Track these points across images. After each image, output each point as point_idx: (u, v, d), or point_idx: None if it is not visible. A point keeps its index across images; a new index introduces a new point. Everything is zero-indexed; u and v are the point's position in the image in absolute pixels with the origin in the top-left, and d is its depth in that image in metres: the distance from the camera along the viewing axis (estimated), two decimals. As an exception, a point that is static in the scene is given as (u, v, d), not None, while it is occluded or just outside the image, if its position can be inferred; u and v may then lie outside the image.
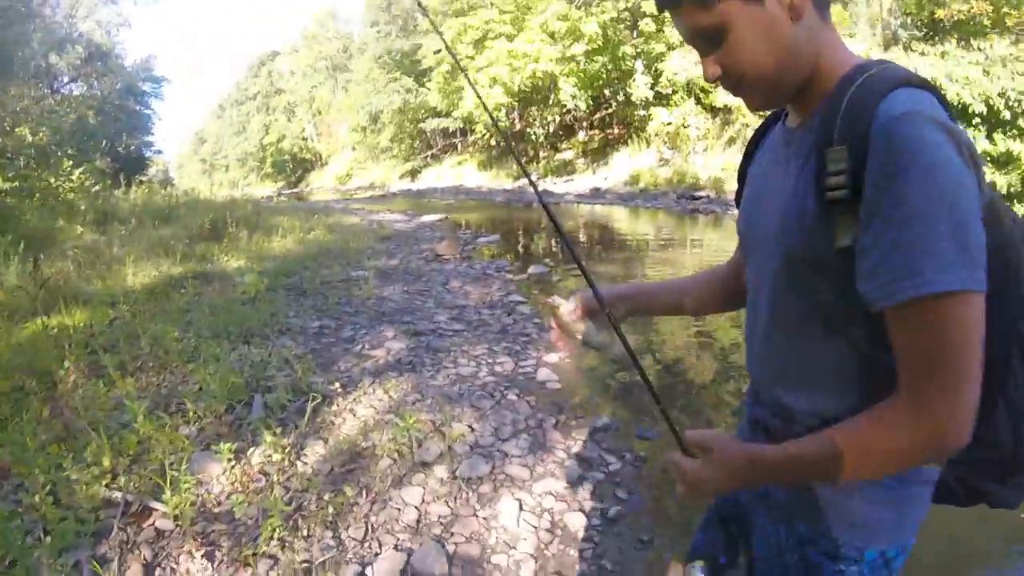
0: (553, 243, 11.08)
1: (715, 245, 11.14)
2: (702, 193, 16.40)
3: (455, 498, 2.94)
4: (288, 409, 3.70)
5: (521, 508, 2.88)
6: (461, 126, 28.26)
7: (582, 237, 11.89)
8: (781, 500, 1.13)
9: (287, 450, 3.18)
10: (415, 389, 4.11)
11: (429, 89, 27.55)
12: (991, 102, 11.97)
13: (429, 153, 33.00)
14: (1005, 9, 15.05)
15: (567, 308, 1.31)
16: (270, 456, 3.10)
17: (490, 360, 4.73)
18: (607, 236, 11.95)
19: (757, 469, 0.98)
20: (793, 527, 1.11)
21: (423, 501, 2.90)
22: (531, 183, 1.43)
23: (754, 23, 0.91)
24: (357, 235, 10.98)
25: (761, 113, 1.14)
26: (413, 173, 32.22)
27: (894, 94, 0.84)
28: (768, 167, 1.10)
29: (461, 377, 4.38)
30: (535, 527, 2.76)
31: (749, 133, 17.63)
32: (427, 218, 13.68)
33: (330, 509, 2.75)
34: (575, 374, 4.63)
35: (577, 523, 2.80)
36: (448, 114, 26.99)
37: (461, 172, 28.24)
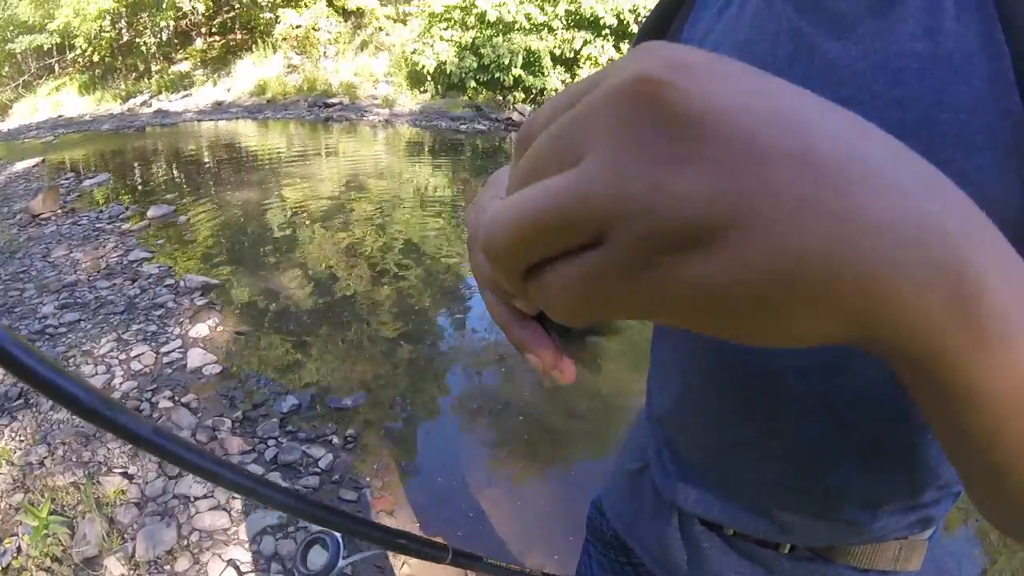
0: (175, 171, 9.41)
1: (352, 153, 10.61)
2: (335, 100, 15.50)
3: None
4: None
5: (240, 572, 2.13)
6: (58, 41, 22.68)
7: (207, 160, 10.37)
8: None
9: None
10: (36, 437, 2.89)
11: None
12: (621, 16, 13.17)
13: (20, 81, 26.01)
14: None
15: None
16: None
17: (123, 356, 3.60)
18: (236, 156, 10.59)
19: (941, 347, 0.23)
20: None
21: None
22: None
23: None
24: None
25: None
26: (2, 109, 25.25)
27: None
28: (771, 23, 0.60)
29: (90, 391, 3.22)
30: (266, 591, 2.07)
31: (383, 38, 17.57)
32: (20, 165, 10.52)
33: None
34: (233, 343, 3.79)
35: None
36: (42, 28, 21.56)
37: (59, 100, 22.62)
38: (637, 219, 0.19)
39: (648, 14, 0.77)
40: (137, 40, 21.35)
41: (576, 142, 0.21)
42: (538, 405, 3.23)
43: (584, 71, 13.44)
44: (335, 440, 2.87)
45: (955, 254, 0.20)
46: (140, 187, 8.52)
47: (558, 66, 14.08)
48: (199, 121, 15.06)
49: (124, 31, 21.55)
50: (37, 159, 10.93)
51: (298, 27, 17.42)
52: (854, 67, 0.54)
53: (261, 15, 18.89)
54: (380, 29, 17.53)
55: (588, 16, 13.63)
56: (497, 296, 0.37)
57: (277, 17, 17.96)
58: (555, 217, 0.20)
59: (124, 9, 20.29)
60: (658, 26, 0.74)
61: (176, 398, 3.14)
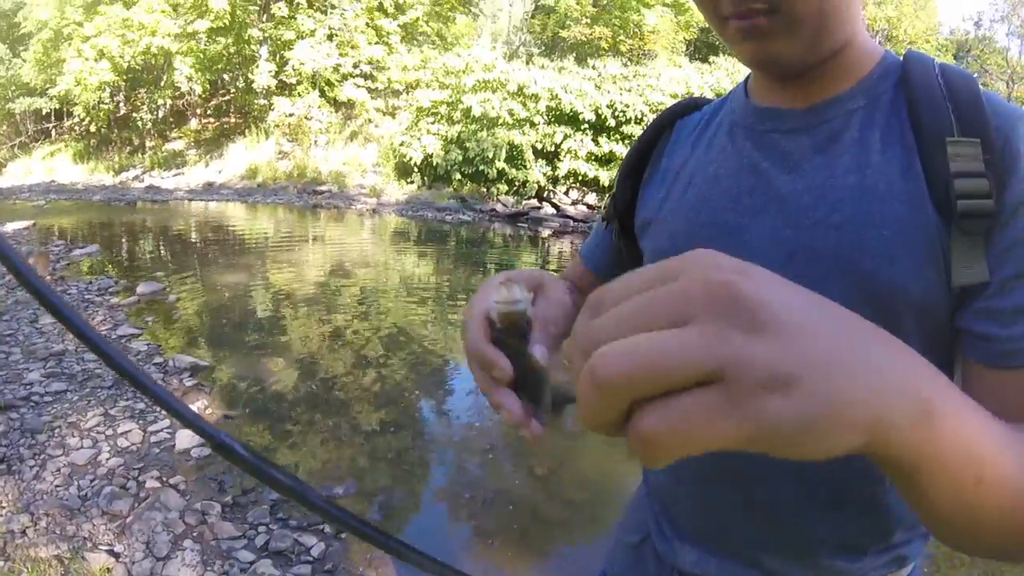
0: (165, 249, 9.47)
1: (340, 240, 10.86)
2: (324, 187, 15.81)
3: None
4: None
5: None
6: (57, 107, 22.89)
7: (196, 240, 10.46)
8: None
9: None
10: (18, 505, 2.82)
11: (25, 60, 22.09)
12: (600, 112, 13.83)
13: (17, 142, 25.89)
14: (621, 37, 19.25)
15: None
16: None
17: (110, 431, 3.54)
18: (225, 238, 10.67)
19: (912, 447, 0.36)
20: None
21: None
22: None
23: None
24: (-83, 273, 7.90)
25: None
26: (-3, 168, 25.03)
27: (984, 89, 0.65)
28: (736, 158, 0.76)
29: (76, 468, 3.16)
30: None
31: (372, 130, 18.08)
32: (11, 226, 10.48)
33: None
34: (222, 426, 3.76)
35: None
36: (43, 92, 21.87)
37: (53, 165, 22.46)
38: (744, 366, 0.27)
39: (628, 151, 0.91)
40: (134, 115, 21.65)
41: (678, 311, 0.28)
42: (529, 493, 3.23)
43: (564, 163, 13.89)
44: (327, 528, 2.84)
45: (924, 402, 0.32)
46: (129, 262, 8.54)
47: (540, 159, 14.54)
48: (190, 200, 15.24)
49: (122, 104, 21.84)
50: (28, 222, 10.93)
51: (291, 115, 17.88)
52: (800, 200, 0.68)
53: (256, 101, 19.39)
54: (370, 121, 18.09)
55: (568, 112, 14.21)
56: (482, 367, 0.50)
57: (271, 104, 18.42)
58: (681, 360, 0.27)
59: (124, 83, 20.66)
60: (637, 162, 0.89)
61: (164, 479, 3.09)
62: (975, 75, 0.66)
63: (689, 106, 0.90)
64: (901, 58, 0.71)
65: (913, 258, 0.62)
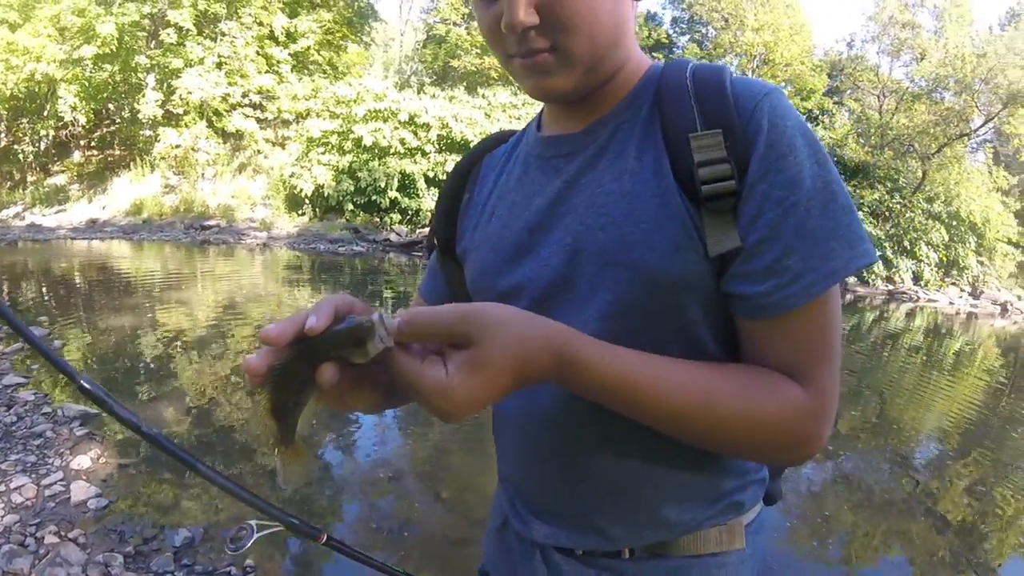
0: (48, 291, 9.05)
1: (230, 276, 10.71)
2: (212, 222, 15.40)
3: None
4: None
5: None
6: None
7: (81, 281, 10.02)
8: None
9: None
10: None
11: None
12: (489, 139, 14.39)
13: None
14: (509, 67, 19.73)
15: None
16: None
17: (2, 487, 3.45)
18: (111, 278, 10.25)
19: (566, 375, 0.66)
20: None
21: None
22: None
23: None
24: None
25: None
26: None
27: (736, 76, 0.74)
28: (529, 187, 0.86)
29: (-29, 529, 3.10)
30: None
31: (261, 161, 17.66)
32: None
33: None
34: (118, 475, 3.73)
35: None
36: None
37: None
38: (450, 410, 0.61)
39: (447, 177, 1.02)
40: (15, 147, 20.31)
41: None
42: (437, 518, 3.39)
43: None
44: (234, 571, 2.88)
45: (562, 349, 0.64)
46: (12, 306, 8.04)
47: (432, 188, 14.70)
48: (73, 239, 14.48)
49: (3, 136, 20.37)
50: None
51: (177, 147, 17.23)
52: (577, 210, 0.78)
53: (141, 132, 18.61)
54: (259, 152, 17.72)
55: (459, 140, 14.53)
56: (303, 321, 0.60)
57: (157, 135, 17.68)
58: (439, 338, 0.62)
59: (5, 112, 19.41)
60: (453, 196, 0.98)
61: (62, 533, 3.07)
62: (724, 66, 0.77)
63: (497, 139, 1.00)
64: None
65: (669, 244, 0.71)
